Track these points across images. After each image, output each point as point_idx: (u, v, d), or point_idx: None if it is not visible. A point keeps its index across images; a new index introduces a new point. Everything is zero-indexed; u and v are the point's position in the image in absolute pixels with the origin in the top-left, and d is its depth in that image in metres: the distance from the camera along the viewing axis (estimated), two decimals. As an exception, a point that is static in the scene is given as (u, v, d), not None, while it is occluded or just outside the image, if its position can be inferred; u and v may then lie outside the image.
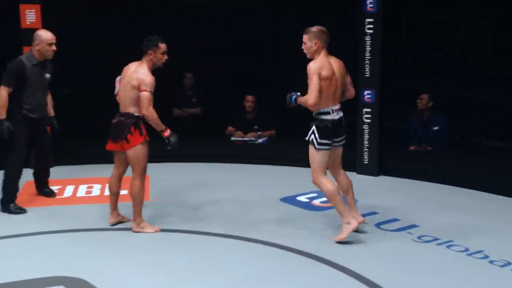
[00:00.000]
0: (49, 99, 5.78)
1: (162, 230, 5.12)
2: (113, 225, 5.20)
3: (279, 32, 7.76)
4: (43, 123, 5.67)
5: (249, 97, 7.97)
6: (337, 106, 4.77)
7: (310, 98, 4.60)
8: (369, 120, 6.61)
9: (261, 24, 7.93)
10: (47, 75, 5.60)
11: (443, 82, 7.05)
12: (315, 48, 4.68)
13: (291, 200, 5.92)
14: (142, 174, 4.96)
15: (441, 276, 4.32)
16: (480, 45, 6.38)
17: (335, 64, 4.75)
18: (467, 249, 4.71)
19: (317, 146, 4.70)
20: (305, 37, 4.71)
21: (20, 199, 5.64)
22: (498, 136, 6.79)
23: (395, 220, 5.32)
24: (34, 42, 5.48)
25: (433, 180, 6.43)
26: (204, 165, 7.19)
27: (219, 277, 4.32)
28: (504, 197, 5.93)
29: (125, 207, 5.25)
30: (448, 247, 4.78)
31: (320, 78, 4.61)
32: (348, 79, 4.90)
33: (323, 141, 4.70)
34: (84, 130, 7.53)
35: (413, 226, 5.20)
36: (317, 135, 4.70)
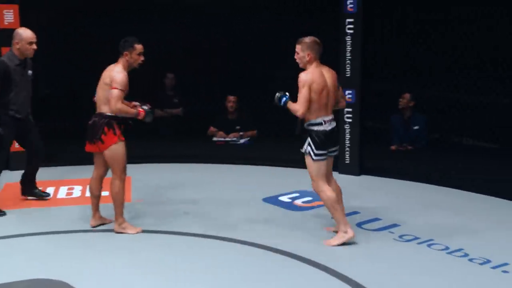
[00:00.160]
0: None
1: (144, 231, 5.10)
2: (95, 227, 5.17)
3: (263, 32, 7.78)
4: (28, 122, 5.63)
5: (231, 98, 7.96)
6: (330, 117, 4.76)
7: (299, 109, 4.62)
8: (350, 120, 6.65)
9: (242, 26, 7.93)
10: (29, 73, 5.56)
11: (426, 82, 7.11)
12: (307, 59, 4.68)
13: (273, 200, 5.93)
14: (122, 174, 4.93)
15: (421, 274, 4.35)
16: (466, 45, 6.44)
17: (327, 74, 4.74)
18: (447, 248, 4.76)
19: (314, 158, 4.72)
20: (298, 47, 4.71)
21: (-1, 202, 5.60)
22: (479, 136, 6.86)
23: (377, 219, 5.35)
24: (13, 41, 5.42)
25: (414, 180, 6.49)
26: (186, 166, 7.18)
27: (202, 277, 4.31)
28: (484, 196, 5.99)
29: (107, 209, 5.23)
30: (428, 246, 4.83)
31: (311, 90, 4.61)
32: (340, 92, 4.92)
33: (319, 152, 4.72)
34: (64, 132, 7.48)
35: (394, 225, 5.24)
36: (313, 146, 4.71)
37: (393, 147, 7.30)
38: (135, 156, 7.03)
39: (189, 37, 8.00)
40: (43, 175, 6.53)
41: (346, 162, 6.72)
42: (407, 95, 7.28)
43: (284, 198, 5.97)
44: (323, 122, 4.72)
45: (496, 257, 4.56)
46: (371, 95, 6.83)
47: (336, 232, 4.89)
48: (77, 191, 6.16)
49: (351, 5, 6.45)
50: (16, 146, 5.95)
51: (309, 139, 4.73)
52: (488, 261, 4.51)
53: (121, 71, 4.83)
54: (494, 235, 5.05)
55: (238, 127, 7.93)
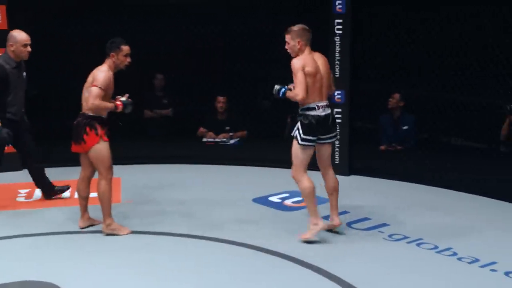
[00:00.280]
0: None
1: (133, 232, 5.09)
2: (83, 228, 5.15)
3: (254, 33, 7.77)
4: (22, 123, 5.61)
5: (221, 98, 7.95)
6: (324, 103, 4.76)
7: (298, 93, 4.60)
8: (339, 120, 6.64)
9: (233, 26, 7.91)
10: (24, 75, 5.56)
11: (414, 82, 7.13)
12: (298, 46, 4.69)
13: (263, 200, 5.93)
14: (107, 174, 4.90)
15: (411, 273, 4.38)
16: (454, 45, 6.47)
17: (320, 60, 4.76)
18: (436, 247, 4.78)
19: (300, 142, 4.71)
20: (288, 37, 4.72)
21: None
22: (467, 135, 6.89)
23: (366, 219, 5.37)
24: (8, 43, 5.41)
25: (403, 179, 6.51)
26: (176, 166, 7.16)
27: (191, 277, 4.31)
28: (473, 195, 6.02)
29: (96, 210, 5.19)
30: (418, 245, 4.85)
31: (305, 74, 4.61)
32: (331, 77, 4.93)
33: (306, 137, 4.70)
34: (53, 132, 7.43)
35: (384, 225, 5.26)
36: (301, 130, 4.70)
37: (382, 147, 7.32)
38: (124, 157, 7.08)
39: (178, 38, 7.97)
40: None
41: (336, 162, 6.72)
42: (397, 95, 7.29)
43: (274, 199, 5.97)
44: (317, 107, 4.71)
45: (484, 256, 4.58)
46: (360, 95, 6.84)
47: (330, 229, 4.90)
48: (66, 192, 6.13)
49: (340, 6, 6.47)
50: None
51: (299, 123, 4.73)
52: (477, 260, 4.54)
53: (105, 71, 4.82)
54: (483, 234, 5.08)
55: (227, 128, 7.92)
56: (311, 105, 4.70)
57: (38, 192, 6.09)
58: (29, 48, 5.42)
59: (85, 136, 4.82)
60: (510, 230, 5.17)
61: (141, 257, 4.64)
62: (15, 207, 5.75)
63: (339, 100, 6.60)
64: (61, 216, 5.47)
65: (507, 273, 4.33)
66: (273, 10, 7.57)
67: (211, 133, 7.92)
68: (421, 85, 7.04)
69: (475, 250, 4.69)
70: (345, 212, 5.48)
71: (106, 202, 4.95)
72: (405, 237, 4.98)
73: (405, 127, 7.29)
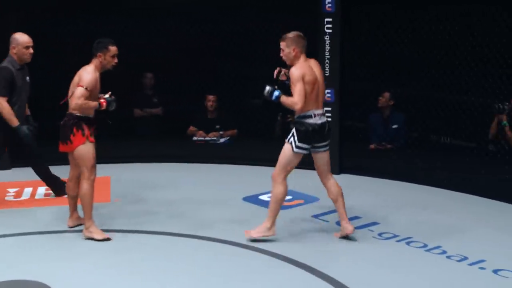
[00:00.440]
0: None
1: (123, 231, 5.07)
2: (72, 227, 5.13)
3: (243, 31, 7.77)
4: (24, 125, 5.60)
5: (211, 97, 7.94)
6: (320, 111, 4.75)
7: (298, 103, 4.58)
8: (329, 119, 6.64)
9: (222, 25, 7.91)
10: (27, 78, 5.59)
11: (404, 81, 7.15)
12: (293, 54, 4.66)
13: (253, 199, 5.93)
14: (89, 175, 4.83)
15: (400, 271, 4.40)
16: (444, 44, 6.50)
17: (316, 67, 4.75)
18: (425, 245, 4.80)
19: (295, 149, 4.71)
20: (283, 44, 4.69)
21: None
22: (456, 134, 6.91)
23: (356, 217, 5.38)
24: (11, 46, 5.46)
25: (393, 178, 6.53)
26: (166, 165, 7.15)
27: (183, 277, 4.30)
28: (462, 194, 6.05)
29: (85, 209, 5.18)
30: (407, 243, 4.87)
31: (304, 82, 4.60)
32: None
33: (301, 144, 4.71)
34: (45, 132, 7.39)
35: (374, 223, 5.27)
36: (296, 137, 4.70)
37: (372, 146, 7.34)
38: (114, 156, 7.07)
39: (167, 37, 7.95)
40: (20, 175, 6.48)
41: (326, 160, 6.73)
42: (387, 94, 7.31)
43: (265, 197, 5.96)
44: (313, 115, 4.71)
45: (473, 254, 4.61)
46: (350, 94, 6.86)
47: (344, 237, 4.89)
48: (53, 191, 6.10)
49: (329, 5, 6.48)
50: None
51: (294, 130, 4.73)
52: (465, 258, 4.56)
53: (91, 72, 4.78)
54: (472, 232, 5.11)
55: (218, 127, 7.91)
56: (308, 113, 4.69)
57: (27, 191, 6.06)
58: (31, 50, 5.47)
59: (71, 137, 4.78)
60: (499, 228, 5.20)
61: (131, 257, 4.63)
62: (3, 206, 5.71)
63: (329, 99, 6.61)
64: (50, 216, 5.45)
65: (495, 271, 4.36)
66: (262, 8, 7.56)
67: (201, 132, 7.91)
68: (410, 84, 7.07)
69: (464, 248, 4.72)
70: (335, 211, 5.48)
71: (87, 204, 4.86)
72: (395, 236, 5.00)
73: (395, 126, 7.31)
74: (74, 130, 4.77)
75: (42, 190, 6.17)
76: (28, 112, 5.77)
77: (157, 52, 7.90)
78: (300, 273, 4.36)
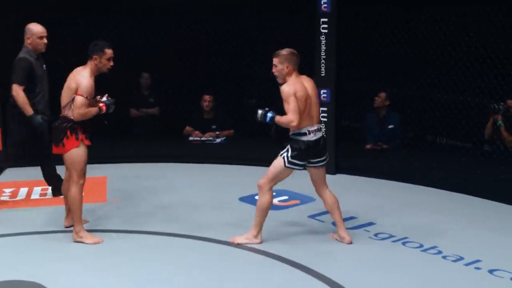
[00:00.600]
0: None
1: (119, 231, 5.07)
2: (68, 227, 5.12)
3: (239, 31, 7.77)
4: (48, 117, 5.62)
5: (207, 97, 7.94)
6: (315, 127, 4.71)
7: (293, 120, 4.55)
8: (325, 119, 6.68)
9: (218, 25, 7.91)
10: (44, 67, 5.62)
11: (400, 81, 7.16)
12: (286, 71, 4.63)
13: (249, 199, 5.93)
14: (79, 179, 4.80)
15: (396, 272, 4.40)
16: (440, 44, 6.51)
17: (308, 84, 4.71)
18: (421, 245, 4.81)
19: (287, 165, 4.69)
20: (276, 60, 4.66)
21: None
22: (452, 135, 6.93)
23: (352, 218, 5.38)
24: (25, 36, 5.49)
25: (389, 178, 6.54)
26: (162, 165, 7.14)
27: (179, 277, 4.30)
28: (458, 194, 6.06)
29: (83, 210, 5.16)
30: (403, 243, 4.87)
31: (296, 99, 4.57)
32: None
33: (294, 161, 4.69)
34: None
35: (370, 223, 5.28)
36: (289, 153, 4.68)
37: (368, 146, 7.35)
38: (110, 156, 7.06)
39: (163, 37, 7.95)
40: (16, 175, 6.47)
41: (323, 161, 6.74)
42: (383, 94, 7.32)
43: (260, 198, 5.97)
44: (308, 132, 4.67)
45: (468, 254, 4.62)
46: (346, 94, 6.86)
47: (338, 239, 4.88)
48: (51, 191, 6.09)
49: (325, 5, 6.49)
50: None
51: (288, 146, 4.71)
52: (461, 258, 4.57)
53: (87, 77, 4.74)
54: (468, 233, 5.12)
55: (214, 127, 7.91)
56: (302, 131, 4.66)
57: (23, 191, 6.06)
58: (45, 40, 5.51)
59: (65, 140, 4.74)
60: (495, 228, 5.21)
61: (127, 257, 4.63)
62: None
63: (325, 99, 6.62)
64: (46, 216, 5.44)
65: (491, 271, 4.37)
66: (257, 8, 7.57)
67: (197, 132, 7.91)
68: (406, 84, 7.08)
69: (459, 248, 4.73)
70: (331, 211, 5.50)
71: (76, 208, 4.82)
72: (391, 236, 5.01)
73: (390, 126, 7.32)
74: (68, 133, 4.74)
75: (38, 190, 6.17)
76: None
77: (154, 52, 7.90)
78: (296, 273, 4.36)
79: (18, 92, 5.39)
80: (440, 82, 6.62)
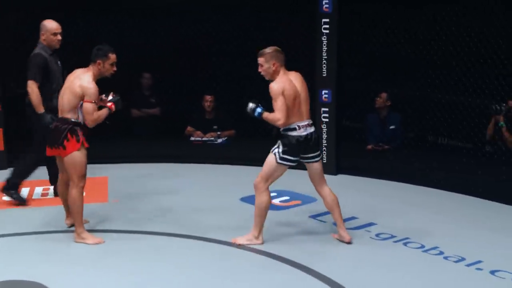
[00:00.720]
0: None
1: (120, 231, 5.07)
2: (70, 226, 5.12)
3: (241, 31, 7.76)
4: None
5: (208, 97, 7.94)
6: (305, 122, 4.72)
7: (280, 118, 4.58)
8: (327, 120, 6.68)
9: (220, 25, 7.91)
10: (59, 63, 5.64)
11: (401, 81, 7.16)
12: (273, 68, 4.64)
13: (251, 200, 5.90)
14: (79, 182, 4.78)
15: (398, 272, 4.40)
16: (441, 44, 6.51)
17: (296, 79, 4.72)
18: (423, 246, 4.81)
19: (278, 160, 4.70)
20: (261, 60, 4.67)
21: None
22: (453, 135, 6.93)
23: (353, 218, 5.38)
24: (40, 33, 5.52)
25: (390, 179, 6.53)
26: (164, 166, 7.14)
27: (179, 277, 4.31)
28: (459, 194, 6.06)
29: (85, 209, 5.16)
30: (404, 244, 4.87)
31: (284, 97, 4.58)
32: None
33: (285, 156, 4.69)
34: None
35: (371, 224, 5.28)
36: (280, 149, 4.69)
37: (369, 147, 7.34)
38: (111, 156, 7.06)
39: (165, 37, 7.95)
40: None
41: (323, 161, 6.74)
42: (384, 95, 7.32)
43: (261, 198, 5.97)
44: (297, 127, 4.68)
45: (470, 255, 4.62)
46: (347, 95, 6.86)
47: (340, 239, 4.88)
48: (52, 191, 6.09)
49: (327, 5, 6.49)
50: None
51: (279, 142, 4.72)
52: (463, 259, 4.57)
53: (91, 82, 4.73)
54: (469, 233, 5.12)
55: (215, 127, 7.91)
56: (292, 126, 4.67)
57: (24, 191, 6.05)
58: (59, 37, 5.54)
59: (65, 142, 4.72)
60: (496, 229, 5.21)
61: (128, 257, 4.63)
62: (0, 206, 5.70)
63: (326, 99, 6.62)
64: (47, 216, 5.44)
65: (492, 272, 4.37)
66: (257, 8, 7.56)
67: (198, 132, 7.91)
68: (407, 84, 7.08)
69: (461, 249, 4.72)
70: (332, 211, 5.50)
71: (77, 211, 4.81)
72: (392, 236, 5.01)
73: (392, 127, 7.32)
74: (68, 135, 4.72)
75: (39, 190, 6.17)
76: None
77: (154, 52, 7.90)
78: (296, 273, 4.36)
79: (33, 88, 5.41)
80: (441, 83, 6.62)
